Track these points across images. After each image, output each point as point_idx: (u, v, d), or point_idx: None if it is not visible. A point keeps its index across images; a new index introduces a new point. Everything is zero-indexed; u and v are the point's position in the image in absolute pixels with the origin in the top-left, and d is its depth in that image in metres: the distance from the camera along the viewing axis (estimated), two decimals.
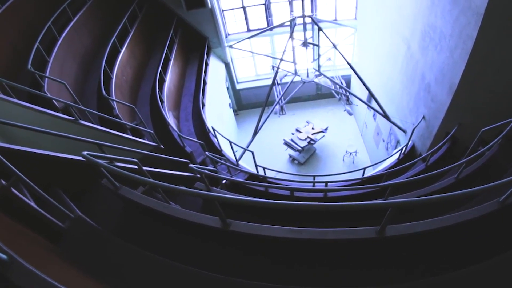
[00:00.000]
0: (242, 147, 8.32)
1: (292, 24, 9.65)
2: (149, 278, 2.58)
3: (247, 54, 14.05)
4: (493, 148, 5.20)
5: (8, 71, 6.45)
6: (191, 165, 4.06)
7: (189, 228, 2.97)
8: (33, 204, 2.79)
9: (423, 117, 7.63)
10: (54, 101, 5.92)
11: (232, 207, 4.05)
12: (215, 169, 5.62)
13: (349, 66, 9.89)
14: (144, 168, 4.24)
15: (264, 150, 13.15)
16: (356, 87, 13.03)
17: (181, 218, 2.71)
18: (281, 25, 10.94)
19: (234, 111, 15.55)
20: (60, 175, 3.83)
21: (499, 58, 5.22)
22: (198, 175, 4.44)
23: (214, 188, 4.65)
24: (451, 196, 2.21)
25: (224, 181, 5.35)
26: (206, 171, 4.21)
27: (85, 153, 3.09)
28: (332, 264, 2.89)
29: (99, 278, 2.48)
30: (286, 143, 12.67)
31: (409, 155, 8.43)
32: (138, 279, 2.57)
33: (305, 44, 10.08)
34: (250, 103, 15.58)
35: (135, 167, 3.56)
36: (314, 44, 10.37)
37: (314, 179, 6.96)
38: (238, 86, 15.08)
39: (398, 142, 9.57)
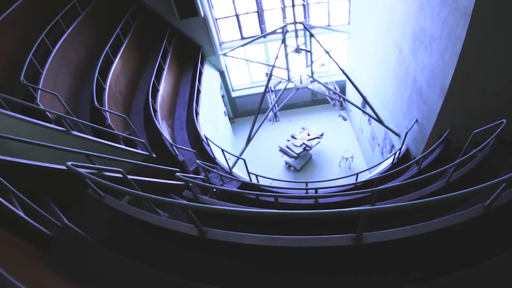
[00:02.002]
0: (234, 155, 8.31)
1: (284, 30, 9.71)
2: (131, 286, 2.56)
3: (241, 62, 14.14)
4: (485, 150, 5.17)
5: (4, 83, 6.49)
6: (177, 173, 4.06)
7: (173, 237, 2.96)
8: (20, 212, 2.83)
9: (416, 121, 7.63)
10: (47, 112, 5.95)
11: (227, 217, 4.03)
12: (203, 177, 5.60)
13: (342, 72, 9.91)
14: (134, 177, 4.26)
15: (260, 157, 13.15)
16: (351, 93, 13.06)
17: (159, 226, 2.70)
18: (273, 32, 11.02)
19: (230, 118, 15.57)
20: (50, 184, 3.86)
21: (489, 58, 5.22)
22: (190, 183, 4.43)
23: (203, 196, 4.64)
24: (427, 203, 2.17)
25: (214, 190, 5.33)
26: (191, 179, 4.21)
27: (69, 163, 3.10)
28: (319, 270, 2.86)
29: (81, 285, 2.47)
30: (281, 150, 12.66)
31: (404, 159, 8.41)
32: (119, 285, 2.56)
33: (297, 50, 10.13)
34: (246, 110, 15.62)
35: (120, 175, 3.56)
36: (306, 51, 10.43)
37: (306, 185, 6.92)
38: (233, 94, 15.14)
39: (393, 146, 9.56)
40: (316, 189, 5.58)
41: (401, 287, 2.42)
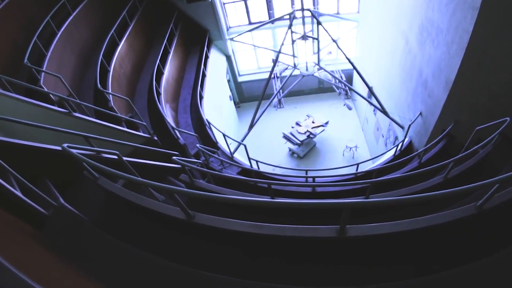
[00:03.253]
0: (235, 140, 8.33)
1: (291, 17, 9.57)
2: (124, 268, 2.63)
3: (249, 47, 14.01)
4: (487, 147, 5.09)
5: (9, 65, 6.55)
6: (174, 157, 4.10)
7: (165, 221, 3.01)
8: (17, 192, 2.91)
9: (420, 113, 7.54)
10: (50, 94, 6.02)
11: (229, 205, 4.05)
12: (201, 162, 5.63)
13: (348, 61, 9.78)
14: (131, 159, 4.31)
15: (264, 143, 13.18)
16: (358, 82, 12.90)
17: (149, 208, 2.75)
18: (280, 18, 10.86)
19: (236, 103, 15.53)
20: (48, 165, 3.93)
21: (495, 54, 5.09)
22: (187, 168, 4.48)
23: (200, 181, 4.69)
24: (413, 200, 2.17)
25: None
26: (188, 163, 4.26)
27: (65, 145, 3.16)
28: (313, 260, 2.88)
29: (69, 262, 2.54)
30: (285, 137, 12.64)
31: (406, 151, 8.36)
32: (110, 266, 2.63)
33: (304, 37, 10.00)
34: (252, 95, 15.55)
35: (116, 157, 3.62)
36: (313, 38, 10.28)
37: (306, 173, 6.94)
38: (240, 79, 15.06)
39: (396, 138, 9.49)
40: (314, 178, 5.59)
41: (392, 281, 2.42)
